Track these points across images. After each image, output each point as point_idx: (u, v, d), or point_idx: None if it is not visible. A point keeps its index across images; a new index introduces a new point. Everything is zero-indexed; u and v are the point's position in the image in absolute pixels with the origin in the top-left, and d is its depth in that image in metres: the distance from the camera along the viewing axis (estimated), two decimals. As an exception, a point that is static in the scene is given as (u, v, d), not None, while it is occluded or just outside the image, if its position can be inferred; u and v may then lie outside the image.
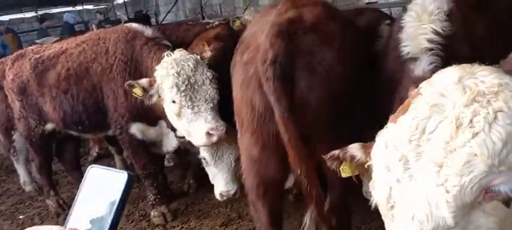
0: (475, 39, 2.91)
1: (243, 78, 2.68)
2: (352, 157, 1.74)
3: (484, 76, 1.34)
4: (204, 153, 3.85)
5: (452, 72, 1.40)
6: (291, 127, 2.39)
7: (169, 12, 13.60)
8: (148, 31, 4.24)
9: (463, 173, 1.25)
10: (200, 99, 3.48)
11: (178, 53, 3.61)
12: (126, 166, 5.91)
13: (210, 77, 3.56)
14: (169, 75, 3.47)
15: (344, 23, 3.08)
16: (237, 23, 5.17)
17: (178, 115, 3.53)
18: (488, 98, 1.28)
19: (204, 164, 3.97)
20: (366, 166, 1.65)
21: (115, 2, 19.56)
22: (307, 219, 2.90)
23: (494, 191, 1.26)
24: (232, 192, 3.85)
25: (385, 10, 7.55)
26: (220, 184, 3.87)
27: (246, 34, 3.13)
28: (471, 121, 1.26)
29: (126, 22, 7.23)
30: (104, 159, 6.90)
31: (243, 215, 4.62)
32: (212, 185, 4.03)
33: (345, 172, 1.80)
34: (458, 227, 1.31)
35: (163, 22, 12.57)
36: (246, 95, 2.64)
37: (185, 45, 4.64)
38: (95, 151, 7.06)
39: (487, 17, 3.13)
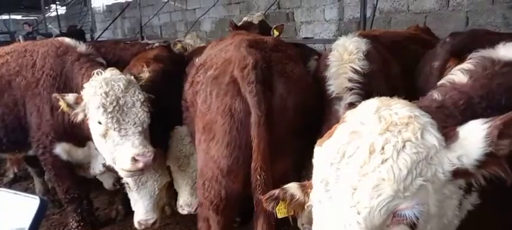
0: (391, 78, 3.21)
1: (217, 90, 2.70)
2: (292, 197, 1.77)
3: (398, 109, 1.48)
4: (126, 178, 3.66)
5: (373, 102, 1.54)
6: (263, 131, 2.44)
7: (106, 29, 13.10)
8: (81, 47, 4.03)
9: (373, 196, 1.36)
10: (128, 121, 3.29)
11: (109, 72, 3.45)
12: (47, 190, 5.45)
13: (142, 99, 3.39)
14: (96, 95, 3.27)
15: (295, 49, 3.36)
16: (179, 46, 5.16)
17: (104, 137, 3.33)
18: (399, 128, 1.41)
19: (127, 189, 3.80)
20: (306, 206, 1.72)
21: (47, 15, 18.40)
22: None
23: (401, 215, 1.37)
24: (151, 221, 3.70)
25: (320, 46, 8.01)
26: (140, 211, 3.71)
27: (204, 58, 3.19)
28: (383, 148, 1.39)
29: (57, 36, 6.81)
30: (21, 181, 6.33)
31: (174, 244, 4.45)
32: (142, 212, 3.84)
33: (281, 212, 1.81)
34: None
35: (99, 39, 12.06)
36: (223, 104, 2.63)
37: (122, 64, 4.49)
38: (11, 173, 6.44)
39: (400, 59, 3.48)
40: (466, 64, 1.83)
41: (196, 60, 3.80)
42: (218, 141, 2.68)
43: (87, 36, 13.15)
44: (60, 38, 4.34)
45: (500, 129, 1.35)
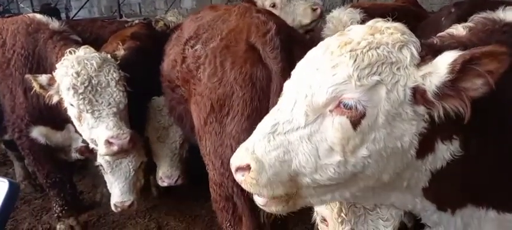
0: None
1: (233, 59, 2.52)
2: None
3: (392, 24, 1.53)
4: (100, 159, 3.58)
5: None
6: None
7: (82, 7, 12.62)
8: (54, 24, 3.79)
9: (328, 74, 1.44)
10: (102, 102, 3.10)
11: (83, 51, 3.25)
12: (27, 174, 5.30)
13: (117, 78, 3.20)
14: (67, 75, 3.08)
15: None
16: (160, 23, 4.96)
17: (79, 119, 3.17)
18: (382, 36, 1.47)
19: (102, 171, 3.71)
20: None
21: (18, -7, 17.56)
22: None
23: (346, 105, 1.42)
24: (127, 204, 3.62)
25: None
26: (116, 194, 3.64)
27: (192, 30, 3.00)
28: (359, 42, 1.45)
29: (30, 15, 6.45)
30: (0, 166, 6.10)
31: (162, 226, 4.42)
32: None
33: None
34: (307, 129, 1.48)
35: (75, 18, 11.60)
36: (242, 73, 2.47)
37: (100, 42, 4.32)
38: (-12, 158, 6.21)
39: None
40: (468, 23, 1.82)
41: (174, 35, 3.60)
42: (236, 114, 2.50)
43: (62, 15, 12.65)
44: (31, 15, 4.10)
45: (465, 59, 1.32)
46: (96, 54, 3.25)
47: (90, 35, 4.68)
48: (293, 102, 1.52)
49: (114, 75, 3.20)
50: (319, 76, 1.46)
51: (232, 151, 2.58)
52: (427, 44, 1.55)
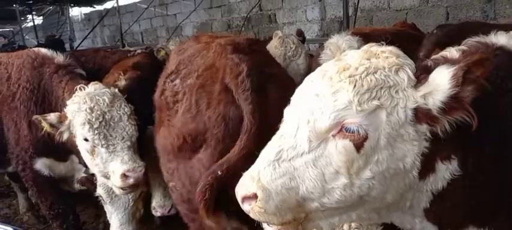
0: None
1: (208, 99, 2.61)
2: None
3: (386, 48, 1.57)
4: (99, 190, 3.58)
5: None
6: (251, 140, 2.35)
7: (85, 38, 12.85)
8: (59, 57, 3.87)
9: (329, 100, 1.46)
10: (116, 137, 3.16)
11: (93, 87, 3.31)
12: (31, 206, 5.29)
13: (128, 112, 3.27)
14: (81, 111, 3.13)
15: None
16: (162, 52, 5.04)
17: (92, 154, 3.20)
18: (378, 59, 1.51)
19: (102, 202, 3.70)
20: None
21: (23, 25, 17.93)
22: None
23: (349, 129, 1.45)
24: None
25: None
26: (115, 224, 3.63)
27: (174, 65, 3.05)
28: (357, 68, 1.49)
29: (35, 47, 6.60)
30: (4, 197, 6.15)
31: (165, 255, 4.35)
32: (131, 223, 3.73)
33: None
34: (312, 154, 1.50)
35: (79, 48, 11.80)
36: (216, 113, 2.55)
37: (103, 72, 4.39)
38: (-9, 191, 6.22)
39: None
40: (461, 46, 1.87)
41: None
42: (209, 148, 2.59)
43: (66, 45, 12.88)
44: (36, 49, 4.19)
45: (464, 70, 1.38)
46: (106, 89, 3.30)
47: (94, 65, 4.79)
48: (295, 128, 1.53)
49: (126, 109, 3.26)
50: (320, 102, 1.48)
51: (200, 174, 2.61)
52: (421, 66, 1.60)
